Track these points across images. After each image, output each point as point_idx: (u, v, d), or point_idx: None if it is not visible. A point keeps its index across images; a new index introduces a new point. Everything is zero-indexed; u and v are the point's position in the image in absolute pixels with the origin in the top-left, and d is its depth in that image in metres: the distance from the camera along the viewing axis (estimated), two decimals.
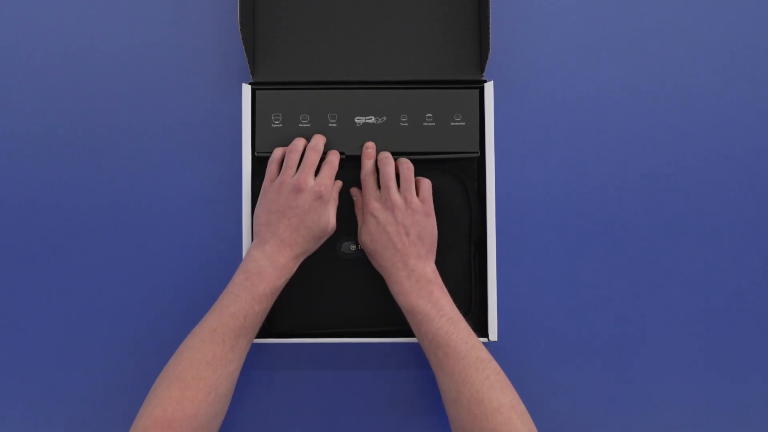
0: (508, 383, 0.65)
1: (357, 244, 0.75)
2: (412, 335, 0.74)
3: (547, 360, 0.78)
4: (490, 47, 0.72)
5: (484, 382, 0.63)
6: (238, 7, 0.71)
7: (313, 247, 0.70)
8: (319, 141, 0.72)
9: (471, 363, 0.64)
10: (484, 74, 0.75)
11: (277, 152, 0.72)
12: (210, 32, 0.81)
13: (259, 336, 0.74)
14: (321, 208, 0.68)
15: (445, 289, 0.69)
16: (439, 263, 0.72)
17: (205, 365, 0.62)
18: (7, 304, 0.79)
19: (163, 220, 0.79)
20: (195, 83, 0.80)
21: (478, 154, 0.74)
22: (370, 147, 0.74)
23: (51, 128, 0.80)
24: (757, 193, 0.80)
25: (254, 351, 0.78)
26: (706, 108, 0.81)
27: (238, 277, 0.67)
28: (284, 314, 0.75)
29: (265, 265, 0.66)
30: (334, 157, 0.72)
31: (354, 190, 0.75)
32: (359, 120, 0.75)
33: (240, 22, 0.71)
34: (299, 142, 0.72)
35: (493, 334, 0.73)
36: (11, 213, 0.79)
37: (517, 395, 0.64)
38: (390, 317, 0.74)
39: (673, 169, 0.80)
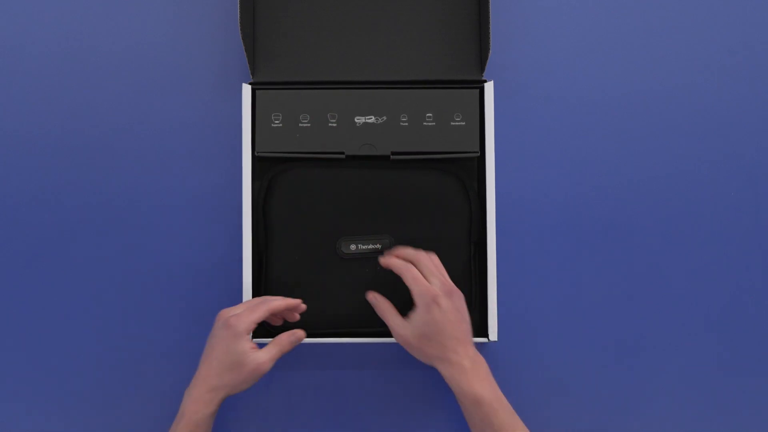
0: None
1: (357, 244, 0.75)
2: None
3: (547, 360, 0.78)
4: (490, 47, 0.72)
5: None
6: (238, 7, 0.71)
7: (237, 383, 0.67)
8: (294, 313, 0.72)
9: None
10: (484, 74, 0.75)
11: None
12: (210, 32, 0.81)
13: (259, 336, 0.74)
14: (230, 338, 0.66)
15: (490, 372, 0.69)
16: None
17: None
18: (6, 304, 0.79)
19: (162, 220, 0.79)
20: (195, 83, 0.80)
21: (478, 154, 0.74)
22: (397, 248, 0.72)
23: (51, 128, 0.80)
24: (757, 193, 0.80)
25: None
26: (706, 108, 0.81)
27: (173, 424, 0.69)
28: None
29: (185, 403, 0.68)
30: (297, 332, 0.70)
31: (372, 295, 0.73)
32: (359, 120, 0.74)
33: (240, 22, 0.71)
34: (294, 312, 0.72)
35: (493, 334, 0.73)
36: (9, 212, 0.79)
37: None
38: None
39: (673, 169, 0.80)
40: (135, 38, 0.81)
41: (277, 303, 0.69)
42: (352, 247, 0.75)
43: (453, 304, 0.68)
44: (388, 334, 0.74)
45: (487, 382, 0.67)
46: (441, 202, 0.75)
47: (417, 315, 0.68)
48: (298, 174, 0.76)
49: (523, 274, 0.79)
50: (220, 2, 0.80)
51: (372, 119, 0.74)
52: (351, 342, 0.75)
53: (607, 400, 0.78)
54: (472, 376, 0.67)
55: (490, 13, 0.73)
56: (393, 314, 0.70)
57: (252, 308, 0.68)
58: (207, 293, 0.78)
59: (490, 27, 0.72)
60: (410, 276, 0.69)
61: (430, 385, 0.78)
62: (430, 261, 0.70)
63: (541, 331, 0.79)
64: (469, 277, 0.76)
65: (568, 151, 0.80)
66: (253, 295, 0.74)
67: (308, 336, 0.75)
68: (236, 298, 0.75)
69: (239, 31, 0.71)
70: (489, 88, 0.74)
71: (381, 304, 0.71)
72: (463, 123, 0.74)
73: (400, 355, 0.78)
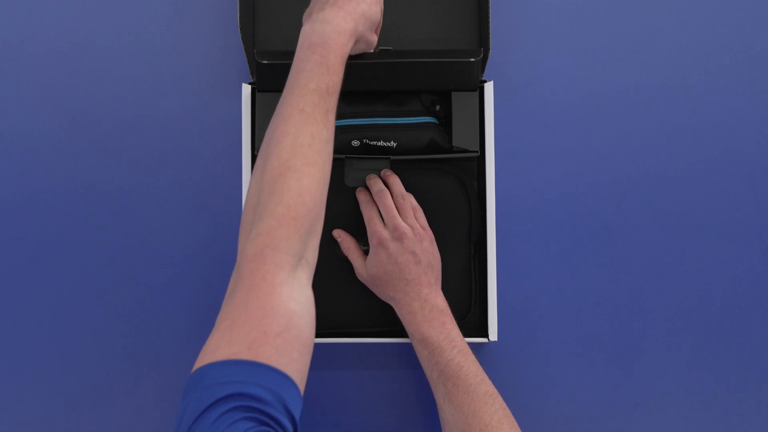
0: (514, 419, 0.66)
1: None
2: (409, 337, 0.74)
3: (547, 360, 0.78)
4: (490, 47, 0.72)
5: (493, 416, 0.64)
6: (238, 7, 0.71)
7: (365, 33, 0.64)
8: None
9: (480, 396, 0.65)
10: (484, 74, 0.75)
11: None
12: (210, 32, 0.81)
13: None
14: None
15: (454, 321, 0.69)
16: None
17: (308, 147, 0.56)
18: (6, 303, 0.79)
19: (162, 220, 0.79)
20: (195, 83, 0.80)
21: (478, 154, 0.74)
22: (371, 178, 0.73)
23: (51, 128, 0.80)
24: (757, 192, 0.80)
25: None
26: (706, 108, 0.81)
27: (303, 53, 0.60)
28: None
29: (328, 31, 0.59)
30: None
31: (338, 232, 0.74)
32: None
33: (240, 22, 0.71)
34: None
35: (493, 334, 0.73)
36: (8, 211, 0.79)
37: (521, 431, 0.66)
38: (390, 317, 0.74)
39: (673, 169, 0.80)
40: (135, 38, 0.81)
41: None
42: None
43: (403, 247, 0.69)
44: (388, 334, 0.75)
45: (437, 322, 0.68)
46: (441, 202, 0.75)
47: (368, 257, 0.71)
48: None
49: (523, 274, 0.79)
50: (220, 2, 0.80)
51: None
52: (351, 342, 0.75)
53: (607, 400, 0.78)
54: (420, 317, 0.68)
55: (490, 13, 0.73)
56: (356, 254, 0.73)
57: None
58: (207, 293, 0.78)
59: (490, 27, 0.72)
60: (367, 217, 0.72)
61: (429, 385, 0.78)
62: (391, 201, 0.71)
63: (541, 331, 0.79)
64: (469, 277, 0.76)
65: (567, 151, 0.80)
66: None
67: None
68: None
69: (239, 31, 0.71)
70: (489, 88, 0.74)
71: (345, 242, 0.74)
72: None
73: (400, 355, 0.78)
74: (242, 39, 0.72)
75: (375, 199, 0.72)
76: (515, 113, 0.80)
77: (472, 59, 0.70)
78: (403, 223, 0.70)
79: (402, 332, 0.74)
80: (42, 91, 0.80)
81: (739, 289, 0.79)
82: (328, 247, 0.75)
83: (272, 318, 0.50)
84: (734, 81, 0.81)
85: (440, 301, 0.69)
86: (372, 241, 0.71)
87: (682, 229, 0.80)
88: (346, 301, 0.75)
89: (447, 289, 0.71)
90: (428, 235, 0.71)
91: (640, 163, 0.80)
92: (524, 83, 0.80)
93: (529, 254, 0.79)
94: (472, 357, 0.67)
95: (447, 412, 0.66)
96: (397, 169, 0.75)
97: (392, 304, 0.71)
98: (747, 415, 0.78)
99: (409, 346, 0.78)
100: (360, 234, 0.74)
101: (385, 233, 0.70)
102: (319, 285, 0.75)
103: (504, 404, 0.66)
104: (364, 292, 0.74)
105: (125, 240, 0.79)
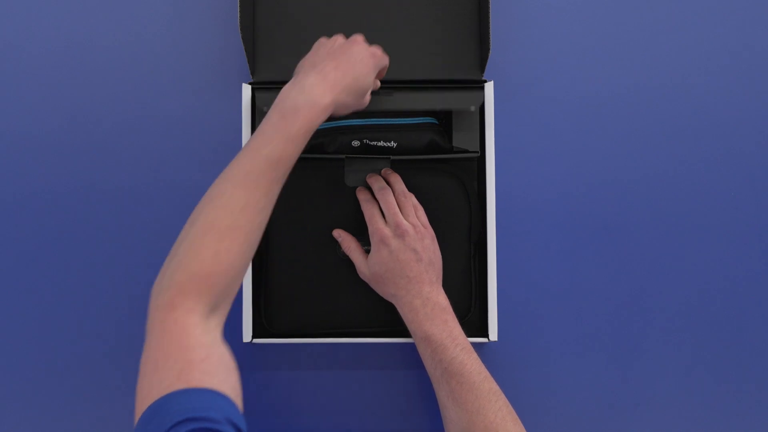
0: (517, 417, 0.66)
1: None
2: (411, 336, 0.74)
3: (547, 360, 0.78)
4: (490, 47, 0.72)
5: (497, 413, 0.64)
6: (238, 7, 0.71)
7: (350, 102, 0.63)
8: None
9: (484, 394, 0.64)
10: (484, 74, 0.75)
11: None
12: (210, 32, 0.81)
13: (258, 336, 0.74)
14: (371, 68, 0.64)
15: (456, 318, 0.69)
16: None
17: (239, 212, 0.56)
18: (6, 303, 0.79)
19: (162, 220, 0.79)
20: (195, 83, 0.80)
21: (478, 154, 0.74)
22: (372, 176, 0.73)
23: (51, 128, 0.80)
24: (757, 193, 0.80)
25: (254, 351, 0.78)
26: (706, 108, 0.81)
27: (272, 116, 0.60)
28: (284, 314, 0.75)
29: (302, 102, 0.59)
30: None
31: (338, 232, 0.74)
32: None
33: (240, 22, 0.71)
34: None
35: (493, 334, 0.73)
36: (8, 211, 0.79)
37: (524, 430, 0.65)
38: (390, 317, 0.74)
39: (673, 169, 0.80)
40: (135, 38, 0.81)
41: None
42: None
43: (404, 245, 0.69)
44: (388, 334, 0.75)
45: (440, 320, 0.67)
46: (441, 202, 0.75)
47: (370, 255, 0.71)
48: (297, 174, 0.76)
49: (523, 274, 0.79)
50: (220, 2, 0.80)
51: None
52: (351, 342, 0.75)
53: (607, 400, 0.78)
54: (422, 315, 0.68)
55: (490, 13, 0.73)
56: (358, 253, 0.73)
57: (381, 55, 0.67)
58: None
59: (490, 27, 0.72)
60: (368, 215, 0.71)
61: (430, 385, 0.78)
62: (393, 199, 0.71)
63: (541, 331, 0.79)
64: (469, 277, 0.76)
65: (568, 151, 0.80)
66: (253, 297, 0.74)
67: (308, 336, 0.75)
68: (236, 299, 0.74)
69: (239, 31, 0.71)
70: (489, 88, 0.74)
71: (345, 241, 0.74)
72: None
73: (400, 355, 0.78)
74: (242, 39, 0.72)
75: (377, 196, 0.72)
76: (515, 113, 0.80)
77: (472, 107, 0.72)
78: (404, 221, 0.70)
79: (402, 332, 0.74)
80: (42, 91, 0.80)
81: (739, 289, 0.79)
82: (328, 247, 0.75)
83: (191, 349, 0.52)
84: (734, 81, 0.81)
85: (442, 299, 0.69)
86: (374, 239, 0.70)
87: (682, 229, 0.80)
88: (346, 301, 0.75)
89: (447, 289, 0.71)
90: (429, 233, 0.71)
91: (640, 163, 0.80)
92: (524, 83, 0.80)
93: (529, 254, 0.79)
94: (474, 355, 0.67)
95: (450, 410, 0.66)
96: (397, 169, 0.75)
97: (394, 302, 0.71)
98: (747, 415, 0.78)
99: (409, 346, 0.78)
100: (360, 234, 0.74)
101: (387, 230, 0.70)
102: (319, 285, 0.75)
103: (507, 402, 0.66)
104: (364, 292, 0.74)
105: (125, 240, 0.79)
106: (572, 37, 0.81)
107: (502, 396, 0.66)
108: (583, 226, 0.79)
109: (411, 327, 0.69)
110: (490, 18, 0.72)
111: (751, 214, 0.80)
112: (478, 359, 0.67)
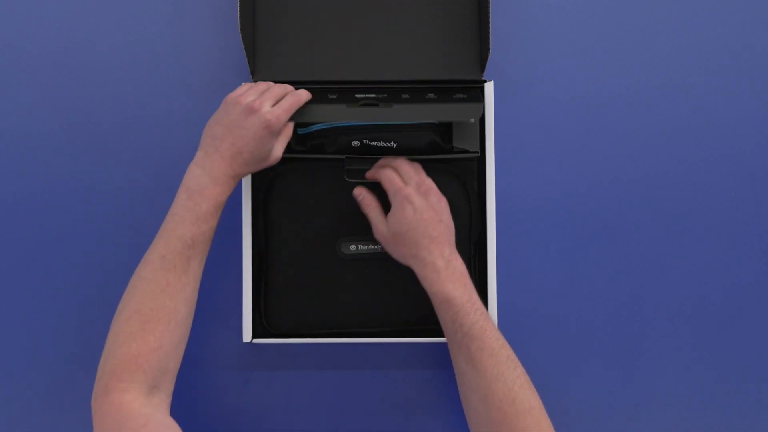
0: (533, 387, 0.64)
1: (357, 244, 0.75)
2: (411, 336, 0.74)
3: (547, 359, 0.78)
4: (490, 47, 0.72)
5: (516, 381, 0.63)
6: (238, 7, 0.71)
7: (253, 169, 0.67)
8: (301, 92, 0.69)
9: (503, 361, 0.63)
10: (484, 74, 0.75)
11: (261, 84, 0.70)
12: (210, 32, 0.81)
13: (259, 336, 0.74)
14: (266, 138, 0.65)
15: (473, 284, 0.67)
16: None
17: (161, 294, 0.62)
18: (6, 303, 0.79)
19: (162, 220, 0.79)
20: (195, 83, 0.80)
21: (478, 154, 0.74)
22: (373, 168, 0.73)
23: (51, 128, 0.80)
24: (757, 193, 0.80)
25: (254, 351, 0.78)
26: (706, 108, 0.81)
27: (180, 197, 0.65)
28: (284, 314, 0.75)
29: (207, 182, 0.64)
30: (303, 93, 0.69)
31: (359, 190, 0.73)
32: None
33: (240, 22, 0.71)
34: (282, 85, 0.70)
35: None
36: (8, 211, 0.79)
37: (540, 400, 0.64)
38: (390, 317, 0.74)
39: (673, 169, 0.80)
40: (135, 38, 0.81)
41: (301, 91, 0.69)
42: (352, 247, 0.75)
43: (428, 204, 0.67)
44: (388, 334, 0.75)
45: (460, 283, 0.66)
46: None
47: (392, 213, 0.69)
48: (298, 174, 0.76)
49: (523, 274, 0.79)
50: (220, 2, 0.80)
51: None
52: (351, 342, 0.75)
53: (608, 399, 0.78)
54: (445, 276, 0.66)
55: (490, 13, 0.73)
56: (377, 212, 0.71)
57: (286, 107, 0.66)
58: (207, 294, 0.78)
59: (490, 27, 0.72)
60: (386, 178, 0.70)
61: (430, 385, 0.78)
62: (411, 167, 0.70)
63: (541, 331, 0.79)
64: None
65: (568, 151, 0.80)
66: (253, 297, 0.74)
67: (308, 336, 0.75)
68: (236, 299, 0.75)
69: (239, 31, 0.71)
70: (489, 88, 0.74)
71: (366, 199, 0.72)
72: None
73: (400, 355, 0.78)
74: (242, 39, 0.72)
75: (392, 165, 0.71)
76: (515, 113, 0.80)
77: (471, 120, 0.72)
78: (428, 178, 0.69)
79: (402, 332, 0.74)
80: (42, 91, 0.80)
81: (739, 289, 0.79)
82: (328, 247, 0.75)
83: (130, 419, 0.56)
84: (734, 81, 0.81)
85: (460, 264, 0.67)
86: (396, 199, 0.68)
87: (682, 229, 0.80)
88: (347, 301, 0.75)
89: None
90: (444, 199, 0.70)
91: (640, 163, 0.80)
92: (524, 83, 0.80)
93: (529, 254, 0.79)
94: (492, 321, 0.66)
95: (469, 376, 0.64)
96: None
97: (413, 264, 0.68)
98: (747, 415, 0.78)
99: (410, 346, 0.78)
100: (360, 234, 0.74)
101: (409, 188, 0.68)
102: (319, 285, 0.75)
103: (524, 371, 0.64)
104: (364, 292, 0.74)
105: (125, 240, 0.79)
106: (572, 37, 0.81)
107: (520, 364, 0.64)
108: (583, 226, 0.79)
109: (432, 289, 0.66)
110: (490, 18, 0.72)
111: (751, 214, 0.80)
112: (496, 326, 0.66)
